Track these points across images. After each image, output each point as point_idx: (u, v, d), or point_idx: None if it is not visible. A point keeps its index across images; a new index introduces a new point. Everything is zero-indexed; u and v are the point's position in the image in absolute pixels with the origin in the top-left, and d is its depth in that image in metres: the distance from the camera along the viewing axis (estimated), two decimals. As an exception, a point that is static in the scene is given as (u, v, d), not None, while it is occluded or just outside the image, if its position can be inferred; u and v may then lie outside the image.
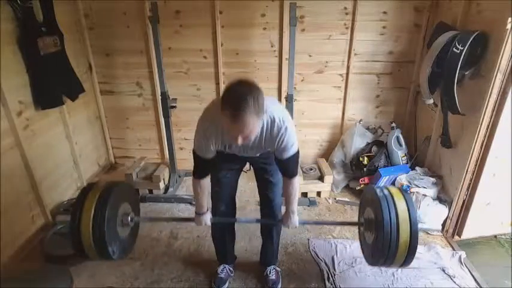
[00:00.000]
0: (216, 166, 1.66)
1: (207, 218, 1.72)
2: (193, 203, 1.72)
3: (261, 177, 1.78)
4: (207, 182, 1.66)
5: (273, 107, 1.41)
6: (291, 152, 1.48)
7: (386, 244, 1.47)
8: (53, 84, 2.38)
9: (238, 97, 1.17)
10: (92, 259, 1.62)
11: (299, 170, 2.86)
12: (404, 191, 1.61)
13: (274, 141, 1.44)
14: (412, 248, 1.47)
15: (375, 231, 1.59)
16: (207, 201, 1.70)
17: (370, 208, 1.65)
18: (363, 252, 1.79)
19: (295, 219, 1.67)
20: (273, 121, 1.39)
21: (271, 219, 1.82)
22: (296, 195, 1.64)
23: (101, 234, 1.51)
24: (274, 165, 1.64)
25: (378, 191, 1.58)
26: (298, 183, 1.63)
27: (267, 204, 1.82)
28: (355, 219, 2.14)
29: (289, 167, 1.56)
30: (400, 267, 1.60)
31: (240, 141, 1.27)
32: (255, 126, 1.24)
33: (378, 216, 1.52)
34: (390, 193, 1.56)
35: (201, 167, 1.59)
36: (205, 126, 1.44)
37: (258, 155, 1.64)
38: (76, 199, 1.59)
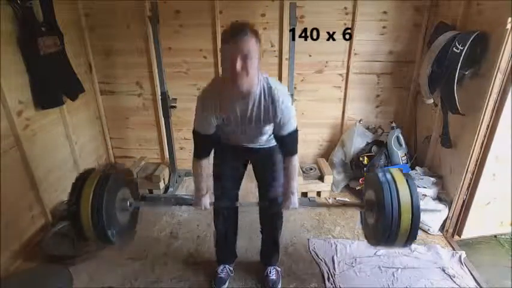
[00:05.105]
0: (219, 161, 1.71)
1: (206, 201, 1.68)
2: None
3: (260, 175, 1.80)
4: (207, 163, 1.66)
5: (273, 81, 1.47)
6: (290, 127, 1.50)
7: (387, 229, 1.47)
8: (53, 84, 2.38)
9: (238, 24, 1.31)
10: (95, 243, 1.62)
11: (299, 170, 2.87)
12: (408, 176, 1.58)
13: (272, 113, 1.46)
14: (413, 232, 1.47)
15: (377, 214, 1.58)
16: (206, 184, 1.67)
17: (372, 191, 1.63)
18: (365, 233, 1.76)
19: (295, 199, 1.64)
20: (270, 89, 1.44)
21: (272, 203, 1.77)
22: (296, 176, 1.63)
23: (99, 218, 1.50)
24: (275, 164, 1.69)
25: (380, 175, 1.56)
26: (297, 163, 1.63)
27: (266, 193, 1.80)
28: (356, 219, 2.13)
29: (288, 144, 1.57)
30: (400, 247, 1.59)
31: (238, 66, 1.27)
32: (252, 49, 1.28)
33: (380, 201, 1.51)
34: (393, 177, 1.54)
35: (201, 146, 1.61)
36: (203, 97, 1.50)
37: (257, 145, 1.67)
38: (74, 184, 1.56)
